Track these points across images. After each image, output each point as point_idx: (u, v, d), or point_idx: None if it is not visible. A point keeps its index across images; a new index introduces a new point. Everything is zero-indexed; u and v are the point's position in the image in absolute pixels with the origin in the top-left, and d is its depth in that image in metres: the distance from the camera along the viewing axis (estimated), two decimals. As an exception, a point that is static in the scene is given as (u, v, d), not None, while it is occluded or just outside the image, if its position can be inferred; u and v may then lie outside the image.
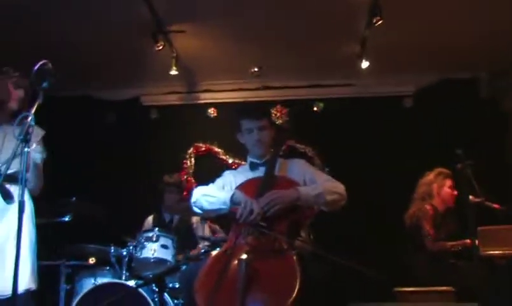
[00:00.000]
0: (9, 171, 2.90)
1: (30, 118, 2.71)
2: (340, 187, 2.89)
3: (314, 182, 2.89)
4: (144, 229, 4.87)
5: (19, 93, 3.25)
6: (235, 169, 3.43)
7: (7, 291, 2.81)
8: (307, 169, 3.07)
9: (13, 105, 3.23)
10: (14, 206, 3.00)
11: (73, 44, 5.19)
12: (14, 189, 3.07)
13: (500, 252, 3.84)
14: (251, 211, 2.59)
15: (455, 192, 4.51)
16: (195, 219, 4.90)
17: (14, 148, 2.84)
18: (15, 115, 3.13)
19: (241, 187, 2.86)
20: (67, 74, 3.39)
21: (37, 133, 3.15)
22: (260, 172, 2.97)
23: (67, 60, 3.49)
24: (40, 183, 3.27)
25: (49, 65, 2.88)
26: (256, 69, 5.93)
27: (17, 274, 2.54)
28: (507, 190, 4.91)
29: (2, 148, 3.11)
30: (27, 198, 3.11)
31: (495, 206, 4.27)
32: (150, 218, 5.09)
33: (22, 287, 2.97)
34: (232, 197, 2.76)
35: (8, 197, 3.05)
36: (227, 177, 3.13)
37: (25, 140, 2.67)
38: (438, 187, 4.53)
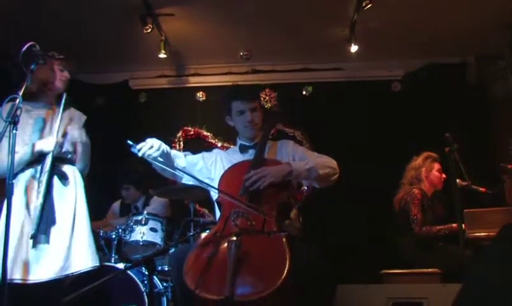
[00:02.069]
0: (61, 154, 3.18)
1: (18, 100, 2.71)
2: (332, 162, 2.91)
3: (305, 159, 2.90)
4: (109, 215, 5.04)
5: (65, 74, 3.38)
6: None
7: (61, 272, 3.01)
8: (296, 149, 3.09)
9: (59, 85, 3.36)
10: (70, 187, 3.20)
11: (61, 27, 5.13)
12: (66, 169, 3.24)
13: (486, 233, 3.88)
14: (151, 146, 2.73)
15: (444, 176, 4.55)
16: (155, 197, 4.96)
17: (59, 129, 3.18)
18: (60, 96, 3.34)
19: (231, 168, 2.87)
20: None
21: (80, 117, 3.40)
22: (250, 155, 2.99)
23: (55, 43, 3.47)
24: (88, 162, 3.41)
25: (37, 47, 2.88)
26: (245, 53, 5.91)
27: (6, 257, 2.56)
28: (494, 174, 4.96)
29: (51, 130, 3.23)
30: (78, 177, 3.29)
31: (482, 189, 4.32)
32: (117, 205, 5.14)
33: (82, 266, 3.11)
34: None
35: (64, 178, 3.20)
36: (214, 154, 3.18)
37: (13, 122, 2.67)
38: (426, 171, 4.57)
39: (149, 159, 2.79)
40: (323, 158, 2.93)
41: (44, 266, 2.97)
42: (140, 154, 2.73)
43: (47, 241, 3.00)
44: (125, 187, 4.99)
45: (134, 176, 4.95)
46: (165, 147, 2.86)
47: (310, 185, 3.68)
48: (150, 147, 2.75)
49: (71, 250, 3.09)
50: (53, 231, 3.05)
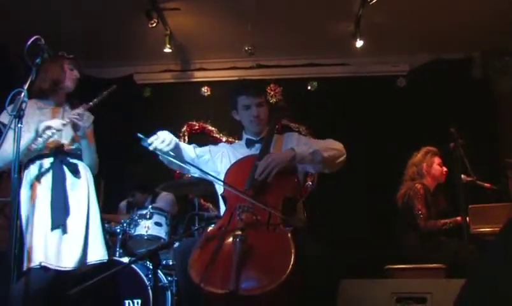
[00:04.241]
0: (72, 150, 3.26)
1: (23, 94, 2.72)
2: (337, 144, 2.90)
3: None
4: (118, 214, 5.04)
5: (75, 73, 3.41)
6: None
7: (79, 263, 3.08)
8: (301, 139, 3.11)
9: (69, 84, 3.39)
10: (82, 180, 3.25)
11: (66, 21, 5.14)
12: (79, 165, 3.28)
13: (490, 229, 3.88)
14: (163, 141, 2.71)
15: (445, 169, 4.53)
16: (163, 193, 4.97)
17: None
18: (70, 95, 3.41)
19: (237, 163, 2.88)
20: (59, 51, 3.39)
21: (89, 117, 3.42)
22: (256, 149, 2.99)
23: (60, 37, 3.50)
24: (94, 162, 3.43)
25: (42, 40, 2.89)
26: (250, 48, 5.91)
27: (15, 248, 2.58)
28: (499, 170, 4.96)
29: (62, 131, 3.24)
30: (89, 173, 3.35)
31: (487, 185, 4.32)
32: (123, 204, 5.18)
33: (98, 257, 3.19)
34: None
35: (75, 172, 3.24)
36: (220, 147, 3.18)
37: (18, 116, 2.68)
38: (427, 166, 4.54)
39: (159, 153, 2.77)
40: (327, 141, 2.93)
41: (65, 255, 3.04)
42: (151, 148, 2.71)
43: (65, 232, 3.06)
44: (130, 194, 5.02)
45: (137, 182, 4.98)
46: (175, 140, 2.84)
47: (318, 172, 3.64)
48: (162, 141, 2.73)
49: (87, 241, 3.16)
50: (69, 221, 3.10)
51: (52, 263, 2.97)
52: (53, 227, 3.03)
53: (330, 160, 2.81)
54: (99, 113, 3.58)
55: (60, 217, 3.06)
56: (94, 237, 3.21)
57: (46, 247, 2.98)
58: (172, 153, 2.80)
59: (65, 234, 3.07)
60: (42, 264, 2.94)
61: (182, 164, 2.91)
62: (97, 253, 3.20)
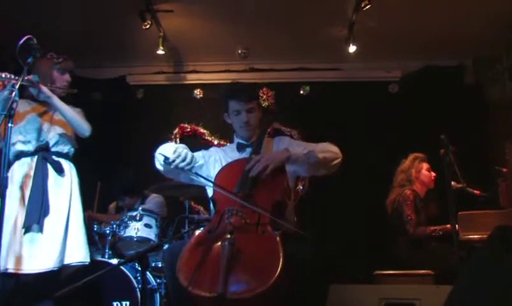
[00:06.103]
0: (58, 148, 3.24)
1: (14, 94, 2.71)
2: (332, 146, 2.91)
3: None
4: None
5: (65, 77, 3.38)
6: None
7: (57, 263, 3.03)
8: (292, 142, 3.11)
9: (60, 91, 3.33)
10: (66, 180, 3.23)
11: (59, 21, 5.12)
12: (63, 163, 3.26)
13: (479, 236, 3.90)
14: (184, 159, 2.69)
15: (434, 174, 4.56)
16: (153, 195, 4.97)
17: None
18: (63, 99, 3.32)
19: (227, 166, 2.88)
20: (52, 51, 3.38)
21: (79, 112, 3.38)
22: (247, 153, 2.99)
23: (52, 37, 3.48)
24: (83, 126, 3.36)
25: (34, 40, 2.88)
26: (243, 51, 5.91)
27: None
28: (489, 177, 4.98)
29: (50, 128, 3.27)
30: (74, 173, 3.33)
31: (476, 192, 4.33)
32: (113, 207, 5.18)
33: (77, 259, 3.14)
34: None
35: (59, 170, 3.21)
36: (213, 152, 3.17)
37: (9, 116, 2.67)
38: (416, 172, 4.57)
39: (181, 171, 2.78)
40: (323, 144, 2.93)
41: (38, 257, 2.99)
42: (172, 166, 2.71)
43: (40, 231, 3.01)
44: (120, 198, 5.01)
45: (126, 186, 4.95)
46: (191, 154, 2.80)
47: (313, 175, 3.62)
48: (182, 160, 2.71)
49: (66, 242, 3.10)
50: (48, 221, 3.05)
51: (19, 268, 2.91)
52: (26, 227, 2.97)
53: (325, 162, 2.82)
54: (92, 114, 3.56)
55: (34, 215, 2.99)
56: (74, 238, 3.16)
57: (15, 250, 2.93)
58: (193, 171, 2.81)
59: (41, 233, 3.01)
60: (9, 271, 2.89)
61: (198, 178, 2.88)
62: (77, 255, 3.15)
